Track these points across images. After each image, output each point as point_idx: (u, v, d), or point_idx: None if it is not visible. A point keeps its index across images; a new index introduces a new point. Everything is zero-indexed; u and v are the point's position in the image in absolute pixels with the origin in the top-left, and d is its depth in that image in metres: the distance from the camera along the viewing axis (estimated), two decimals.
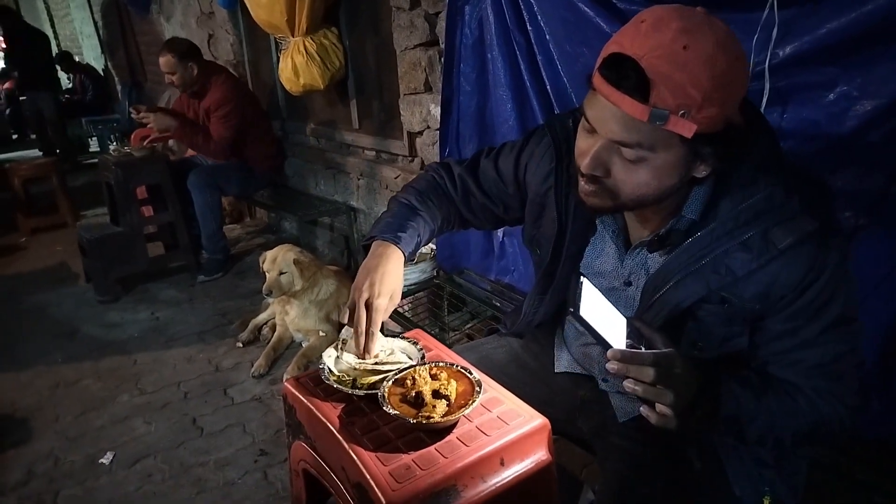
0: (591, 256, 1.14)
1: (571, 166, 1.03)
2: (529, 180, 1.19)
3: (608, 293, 0.90)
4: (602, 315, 0.86)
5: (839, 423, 0.95)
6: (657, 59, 0.79)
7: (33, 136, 7.79)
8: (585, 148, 0.92)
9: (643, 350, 0.85)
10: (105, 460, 2.10)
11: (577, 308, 0.84)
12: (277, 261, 2.62)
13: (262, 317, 2.95)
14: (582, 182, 0.95)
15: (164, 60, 3.36)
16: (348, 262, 3.64)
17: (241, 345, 2.85)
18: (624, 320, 0.89)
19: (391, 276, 1.11)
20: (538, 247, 1.22)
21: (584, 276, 0.88)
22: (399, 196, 1.27)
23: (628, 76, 0.81)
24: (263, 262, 2.67)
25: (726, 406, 0.90)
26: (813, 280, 0.89)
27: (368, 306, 1.08)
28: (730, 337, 0.98)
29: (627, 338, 0.87)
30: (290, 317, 2.74)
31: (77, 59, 8.34)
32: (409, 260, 1.20)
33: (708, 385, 0.88)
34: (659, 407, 0.83)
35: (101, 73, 8.04)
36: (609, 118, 0.86)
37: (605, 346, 0.84)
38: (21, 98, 7.54)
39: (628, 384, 0.82)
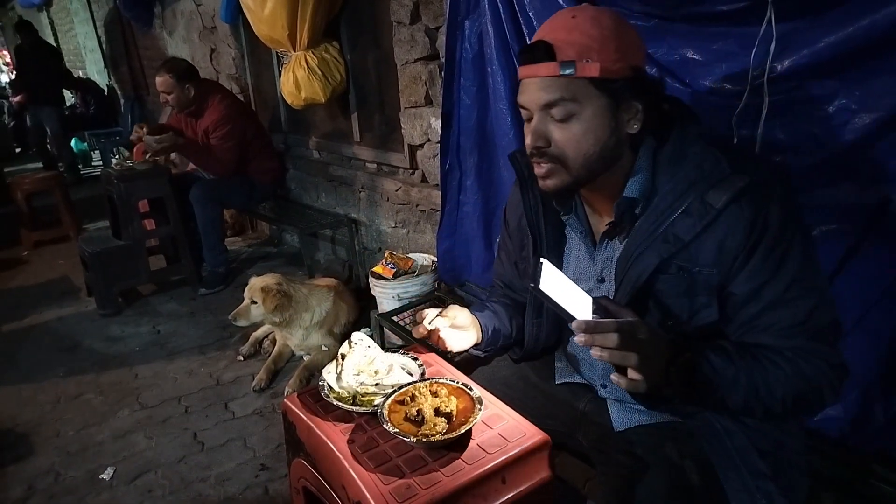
0: (568, 266, 1.21)
1: (535, 188, 1.12)
2: (509, 219, 1.33)
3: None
4: (567, 295, 0.91)
5: (829, 386, 0.98)
6: (554, 32, 0.98)
7: (32, 151, 7.85)
8: (527, 132, 1.04)
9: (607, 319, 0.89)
10: (105, 476, 2.09)
11: (538, 283, 0.88)
12: (252, 289, 2.59)
13: (263, 330, 2.94)
14: (535, 168, 1.06)
15: (162, 80, 3.37)
16: (349, 274, 3.64)
17: (241, 358, 2.84)
18: (590, 299, 0.94)
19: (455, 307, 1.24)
20: (526, 276, 1.28)
21: (545, 259, 0.93)
22: None
23: (538, 50, 0.98)
24: None
25: (701, 370, 0.94)
26: (760, 235, 0.95)
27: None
28: (698, 309, 1.02)
29: (594, 313, 0.92)
30: (294, 342, 2.73)
31: (79, 75, 8.40)
32: (485, 347, 1.30)
33: (679, 351, 0.93)
34: (629, 372, 0.88)
35: (104, 88, 8.09)
36: (533, 90, 1.00)
37: (569, 318, 0.88)
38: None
39: (594, 352, 0.86)
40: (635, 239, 1.03)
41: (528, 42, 1.88)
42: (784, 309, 0.96)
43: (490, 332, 1.29)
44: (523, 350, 1.36)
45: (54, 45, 7.66)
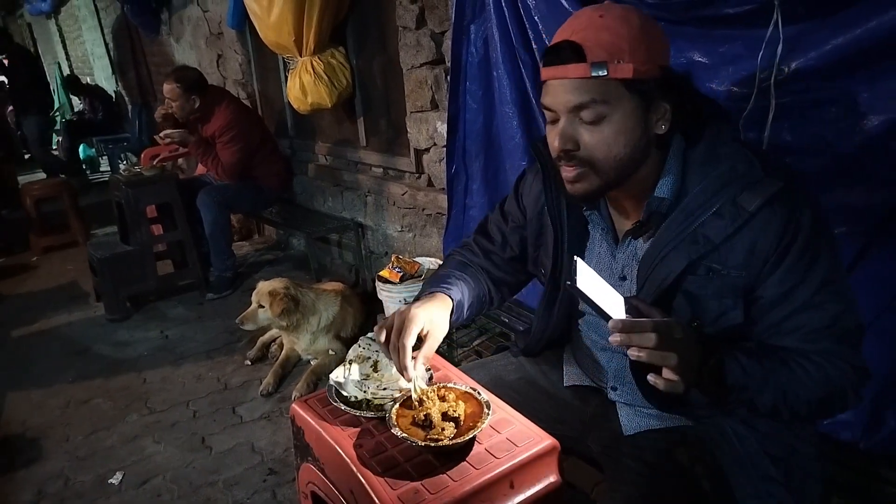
0: (589, 262, 1.18)
1: (558, 177, 1.09)
2: (526, 204, 1.28)
3: None
4: (600, 294, 0.89)
5: (852, 389, 0.97)
6: (583, 31, 0.94)
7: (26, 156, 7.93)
8: (553, 135, 1.01)
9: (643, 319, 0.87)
10: (114, 480, 2.10)
11: (575, 282, 0.87)
12: (259, 293, 2.61)
13: (270, 334, 2.95)
14: (563, 171, 1.03)
15: (169, 88, 3.40)
16: (356, 278, 3.64)
17: (249, 362, 2.85)
18: (621, 299, 0.93)
19: (430, 308, 1.14)
20: (542, 266, 1.26)
21: (578, 258, 0.92)
22: (435, 273, 1.34)
23: (565, 50, 0.95)
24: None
25: (731, 373, 0.92)
26: (792, 240, 0.94)
27: (402, 322, 1.08)
28: (724, 311, 1.01)
29: (626, 313, 0.90)
30: (301, 346, 2.74)
31: (86, 81, 8.45)
32: (460, 319, 1.25)
33: (711, 352, 0.92)
34: (665, 372, 0.86)
35: (112, 94, 8.15)
36: (561, 92, 0.97)
37: (606, 317, 0.87)
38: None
39: (632, 352, 0.84)
40: (662, 238, 1.01)
41: (534, 46, 1.91)
42: (812, 312, 0.95)
43: (465, 309, 1.25)
44: (526, 343, 1.35)
45: (54, 50, 7.58)
